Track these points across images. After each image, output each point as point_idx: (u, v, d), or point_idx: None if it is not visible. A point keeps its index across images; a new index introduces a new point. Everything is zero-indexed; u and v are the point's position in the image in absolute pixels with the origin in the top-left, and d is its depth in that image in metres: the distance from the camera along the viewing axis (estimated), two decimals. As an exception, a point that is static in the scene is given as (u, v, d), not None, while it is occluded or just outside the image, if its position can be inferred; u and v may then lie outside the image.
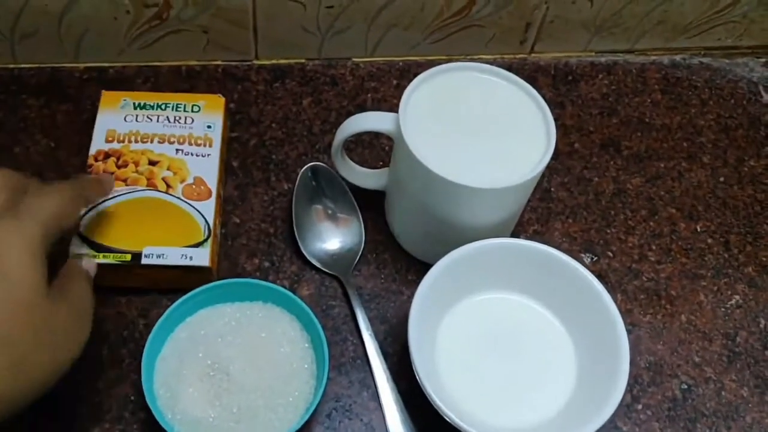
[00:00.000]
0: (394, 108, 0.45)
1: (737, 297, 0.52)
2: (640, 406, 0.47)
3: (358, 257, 0.50)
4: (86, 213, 0.45)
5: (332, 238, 0.50)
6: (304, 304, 0.43)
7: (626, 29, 0.62)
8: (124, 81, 0.56)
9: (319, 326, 0.42)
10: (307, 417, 0.40)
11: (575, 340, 0.46)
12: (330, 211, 0.50)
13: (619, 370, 0.42)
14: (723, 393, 0.48)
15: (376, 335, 0.47)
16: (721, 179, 0.58)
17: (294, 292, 0.44)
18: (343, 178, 0.51)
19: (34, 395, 0.34)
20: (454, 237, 0.46)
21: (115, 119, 0.50)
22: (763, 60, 0.66)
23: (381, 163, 0.55)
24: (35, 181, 0.37)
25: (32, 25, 0.53)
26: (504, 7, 0.57)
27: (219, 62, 0.58)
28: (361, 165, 0.51)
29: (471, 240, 0.45)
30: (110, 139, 0.49)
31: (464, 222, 0.46)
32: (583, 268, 0.45)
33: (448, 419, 0.39)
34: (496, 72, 0.47)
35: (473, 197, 0.44)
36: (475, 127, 0.45)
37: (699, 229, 0.55)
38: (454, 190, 0.43)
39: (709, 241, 0.55)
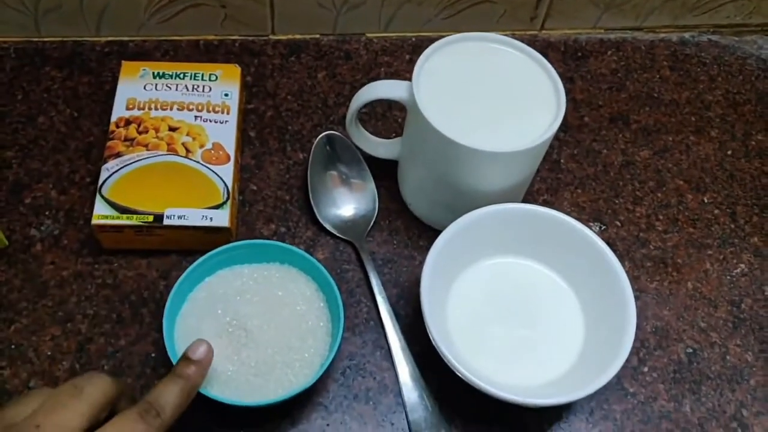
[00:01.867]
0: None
1: (743, 266, 0.53)
2: (646, 369, 0.48)
3: (371, 224, 0.51)
4: (109, 177, 0.47)
5: (346, 204, 0.51)
6: (320, 265, 0.45)
7: (635, 6, 0.63)
8: (143, 54, 0.58)
9: (334, 285, 0.44)
10: (321, 372, 0.42)
11: (583, 302, 0.47)
12: (344, 178, 0.52)
13: (625, 331, 0.43)
14: (727, 357, 0.49)
15: (389, 298, 0.48)
16: (729, 152, 0.59)
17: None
18: (357, 147, 0.52)
19: None
20: (464, 203, 0.47)
21: (136, 88, 0.51)
22: (772, 38, 0.67)
23: (394, 134, 0.56)
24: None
25: (55, 0, 0.54)
26: (515, -18, 0.58)
27: (236, 37, 0.60)
28: (376, 136, 0.53)
29: (479, 205, 0.46)
30: (131, 106, 0.50)
31: (475, 187, 0.47)
32: (592, 233, 0.46)
33: (459, 374, 0.41)
34: (508, 42, 0.48)
35: (484, 161, 0.45)
36: (487, 95, 0.46)
37: (706, 201, 0.56)
38: (465, 154, 0.44)
39: (716, 212, 0.56)
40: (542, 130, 0.45)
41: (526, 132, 0.45)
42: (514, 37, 0.62)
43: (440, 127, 0.44)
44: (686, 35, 0.66)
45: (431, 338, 0.42)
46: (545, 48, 0.63)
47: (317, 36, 0.61)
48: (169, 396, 0.36)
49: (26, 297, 0.47)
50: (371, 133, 0.53)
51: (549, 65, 0.47)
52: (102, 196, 0.46)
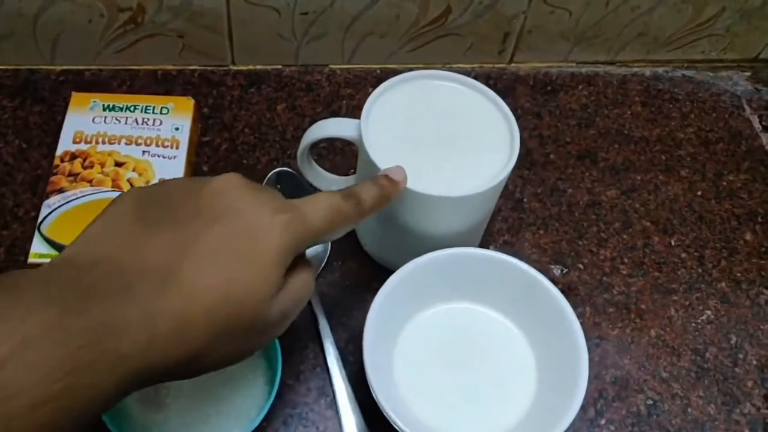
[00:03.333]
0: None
1: (709, 312, 0.52)
2: (603, 421, 0.47)
3: (323, 264, 0.50)
4: (49, 214, 0.45)
5: (297, 244, 0.50)
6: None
7: (606, 40, 0.61)
8: (100, 84, 0.57)
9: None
10: (257, 423, 0.40)
11: (536, 351, 0.45)
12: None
13: (577, 384, 0.41)
14: (689, 410, 0.48)
15: (338, 343, 0.47)
16: (699, 193, 0.57)
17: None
18: (311, 184, 0.51)
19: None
20: (419, 246, 0.45)
21: (84, 120, 0.50)
22: (748, 74, 0.66)
23: (352, 170, 0.55)
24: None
25: (7, 27, 0.53)
26: (481, 15, 0.57)
27: (195, 67, 0.58)
28: (334, 171, 0.51)
29: (435, 248, 0.44)
30: (78, 140, 0.49)
31: (428, 231, 0.46)
32: (544, 278, 0.44)
33: None
34: (462, 81, 0.47)
35: (434, 205, 0.43)
36: (438, 136, 0.45)
37: (673, 243, 0.55)
38: (415, 199, 0.43)
39: (683, 255, 0.54)
40: (496, 171, 0.44)
41: (479, 174, 0.44)
42: (481, 69, 0.62)
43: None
44: (660, 70, 0.64)
45: (374, 395, 0.40)
46: (513, 82, 0.62)
47: (279, 67, 0.59)
48: (369, 192, 0.38)
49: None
50: (329, 167, 0.51)
51: (504, 105, 0.46)
52: (41, 234, 0.45)
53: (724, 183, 0.58)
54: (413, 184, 0.42)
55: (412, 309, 0.46)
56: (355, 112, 0.58)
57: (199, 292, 0.30)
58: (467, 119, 0.46)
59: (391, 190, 0.40)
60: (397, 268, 0.45)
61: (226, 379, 0.42)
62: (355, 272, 0.50)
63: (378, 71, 0.60)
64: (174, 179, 0.35)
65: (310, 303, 0.48)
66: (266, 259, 0.32)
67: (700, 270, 0.53)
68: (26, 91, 0.56)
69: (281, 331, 0.35)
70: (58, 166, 0.48)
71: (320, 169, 0.50)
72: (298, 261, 0.35)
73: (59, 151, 0.48)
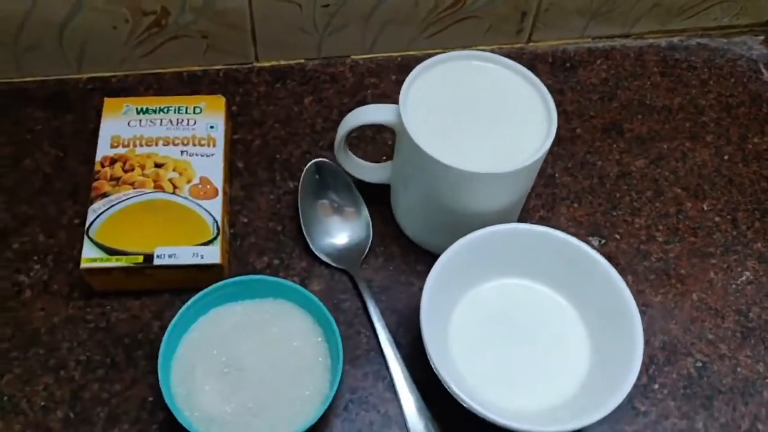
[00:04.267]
0: (395, 103, 0.46)
1: (748, 273, 0.52)
2: (656, 386, 0.47)
3: (366, 250, 0.50)
4: (96, 219, 0.46)
5: (340, 232, 0.50)
6: (315, 298, 0.43)
7: (622, 13, 0.62)
8: (127, 90, 0.57)
9: (331, 319, 0.43)
10: (323, 410, 0.40)
11: (587, 322, 0.46)
12: (336, 206, 0.51)
13: (633, 351, 0.42)
14: (738, 369, 0.48)
15: (388, 326, 0.47)
16: (726, 157, 0.58)
17: (304, 288, 0.45)
18: (348, 173, 0.51)
19: None
20: (459, 225, 0.46)
21: (119, 125, 0.50)
22: (761, 38, 0.66)
23: (384, 157, 0.55)
24: None
25: (35, 38, 0.54)
26: (499, -4, 0.58)
27: (220, 66, 0.59)
28: (366, 160, 0.52)
29: (476, 227, 0.45)
30: (115, 144, 0.49)
31: (469, 209, 0.46)
32: (593, 250, 0.45)
33: (464, 404, 0.39)
34: (494, 59, 0.47)
35: (477, 183, 0.44)
36: (476, 115, 0.46)
37: (706, 208, 0.55)
38: (457, 177, 0.43)
39: (717, 219, 0.55)
40: (535, 147, 0.44)
41: (519, 150, 0.44)
42: (500, 50, 0.62)
43: (430, 150, 0.43)
44: (675, 40, 0.65)
45: (434, 369, 0.41)
46: (533, 60, 0.62)
47: (302, 61, 0.60)
48: None
49: (17, 346, 0.45)
50: (361, 157, 0.52)
51: (538, 80, 0.46)
52: (90, 239, 0.45)
53: (750, 146, 0.59)
54: (456, 162, 0.42)
55: (462, 287, 0.46)
56: (381, 100, 0.58)
57: None
58: (503, 97, 0.46)
59: None
60: (439, 249, 0.46)
61: (298, 367, 0.42)
62: (398, 256, 0.51)
63: (399, 59, 0.61)
64: None
65: (357, 289, 0.49)
66: None
67: (735, 233, 0.54)
68: (56, 102, 0.56)
69: None
70: (99, 171, 0.48)
71: (357, 158, 0.51)
72: None
73: (99, 157, 0.49)
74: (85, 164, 0.52)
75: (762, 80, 0.63)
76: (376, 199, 0.52)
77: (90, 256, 0.44)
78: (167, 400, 0.40)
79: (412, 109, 0.45)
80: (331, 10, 0.56)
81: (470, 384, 0.43)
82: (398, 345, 0.47)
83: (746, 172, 0.57)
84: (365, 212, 0.51)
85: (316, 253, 0.49)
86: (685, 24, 0.64)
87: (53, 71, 0.56)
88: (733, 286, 0.52)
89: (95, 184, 0.47)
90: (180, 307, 0.43)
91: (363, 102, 0.58)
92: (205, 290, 0.43)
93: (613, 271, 0.44)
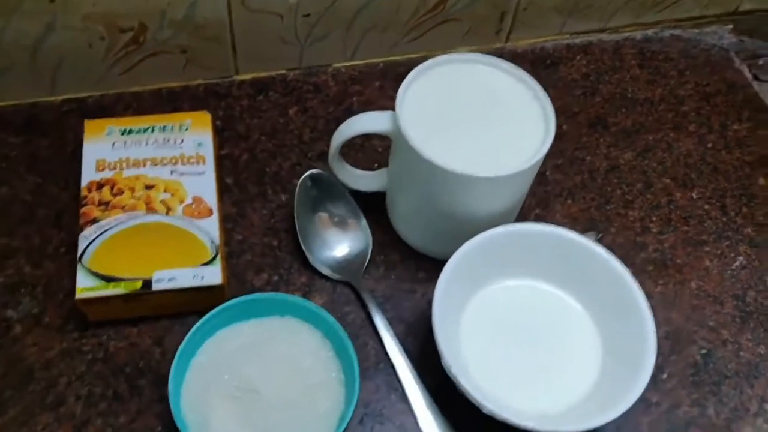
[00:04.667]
0: (380, 109, 0.45)
1: (741, 258, 0.53)
2: (665, 376, 0.47)
3: (367, 261, 0.49)
4: (88, 246, 0.44)
5: (339, 244, 0.49)
6: (323, 312, 0.43)
7: (599, 8, 0.62)
8: (104, 110, 0.55)
9: (343, 333, 0.42)
10: (343, 428, 0.39)
11: (597, 320, 0.46)
12: (333, 218, 0.50)
13: (645, 348, 0.42)
14: (741, 353, 0.49)
15: (396, 335, 0.47)
16: (709, 145, 0.59)
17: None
18: (342, 183, 0.50)
19: None
20: (459, 229, 0.46)
21: (103, 148, 0.48)
22: (730, 26, 0.67)
23: (376, 164, 0.54)
24: None
25: (6, 60, 0.51)
26: (479, -2, 0.58)
27: (199, 81, 0.57)
28: (357, 167, 0.51)
29: (476, 230, 0.45)
30: (101, 167, 0.47)
31: (469, 213, 0.46)
32: (598, 246, 0.45)
33: (480, 407, 0.39)
34: (489, 61, 0.47)
35: (477, 187, 0.43)
36: (473, 118, 0.45)
37: (695, 196, 0.56)
38: (457, 181, 0.43)
39: (706, 207, 0.55)
40: (534, 148, 0.44)
41: (518, 152, 0.44)
42: (480, 51, 0.62)
43: (429, 155, 0.42)
44: (649, 32, 0.66)
45: (450, 374, 0.40)
46: (513, 60, 0.61)
47: (283, 71, 0.59)
48: None
49: (11, 384, 0.43)
50: (352, 165, 0.51)
51: (534, 82, 0.46)
52: (84, 267, 0.43)
53: (730, 133, 0.60)
54: (456, 166, 0.42)
55: (471, 289, 0.46)
56: (366, 107, 0.57)
57: None
58: (499, 99, 0.46)
59: None
60: (438, 254, 0.45)
61: (310, 385, 0.41)
62: (399, 265, 0.50)
63: (381, 65, 0.60)
64: None
65: (360, 300, 0.48)
66: None
67: (725, 219, 0.55)
68: (31, 126, 0.54)
69: None
70: (86, 196, 0.46)
71: (351, 167, 0.50)
72: None
73: (84, 182, 0.47)
74: (67, 189, 0.50)
75: (734, 68, 0.65)
76: (372, 207, 0.51)
77: (85, 285, 0.43)
78: (181, 429, 0.38)
79: (409, 114, 0.44)
80: (312, 19, 0.55)
81: (483, 387, 0.43)
82: (407, 353, 0.46)
83: (729, 159, 0.58)
84: (364, 222, 0.50)
85: (316, 266, 0.48)
86: (659, 16, 0.65)
87: (26, 94, 0.54)
88: (728, 271, 0.52)
89: (83, 210, 0.46)
90: (179, 332, 0.42)
91: (349, 110, 0.57)
92: (212, 312, 0.42)
93: (621, 267, 0.44)
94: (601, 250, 0.45)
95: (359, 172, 0.50)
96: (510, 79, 0.47)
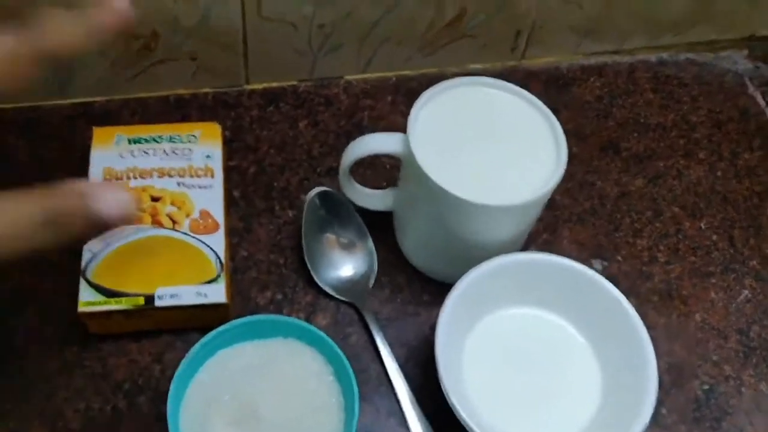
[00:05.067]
0: (391, 125, 0.45)
1: (746, 291, 0.53)
2: (665, 411, 0.47)
3: (371, 282, 0.49)
4: (92, 259, 0.43)
5: (345, 264, 0.49)
6: (327, 338, 0.42)
7: (614, 29, 0.62)
8: (111, 115, 0.54)
9: (344, 358, 0.41)
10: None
11: (598, 351, 0.46)
12: (341, 239, 0.49)
13: (646, 385, 0.42)
14: (743, 389, 0.49)
15: (397, 359, 0.46)
16: (719, 174, 0.59)
17: (310, 323, 0.43)
18: (352, 202, 0.50)
19: None
20: (467, 254, 0.45)
21: (111, 157, 0.48)
22: (746, 52, 0.67)
23: (384, 183, 0.54)
24: None
25: (14, 64, 0.51)
26: (495, 15, 0.57)
27: (208, 89, 0.57)
28: (363, 186, 0.50)
29: (484, 256, 0.44)
30: (108, 177, 0.47)
31: (479, 239, 0.46)
32: (602, 277, 0.45)
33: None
34: (502, 86, 0.46)
35: (488, 215, 0.43)
36: (485, 143, 0.45)
37: (703, 226, 0.56)
38: (470, 210, 0.42)
39: (714, 237, 0.55)
40: (545, 177, 0.44)
41: (529, 181, 0.43)
42: (494, 68, 0.62)
43: (442, 182, 0.42)
44: (664, 55, 0.65)
45: (449, 402, 0.40)
46: (526, 78, 0.62)
47: (294, 82, 0.58)
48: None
49: (9, 397, 0.43)
50: (360, 181, 0.50)
51: (544, 106, 0.46)
52: (87, 280, 0.43)
53: (741, 162, 0.59)
54: (467, 194, 0.41)
55: (473, 318, 0.46)
56: (377, 122, 0.57)
57: None
58: (511, 125, 0.46)
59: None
60: (444, 277, 0.45)
61: (313, 408, 0.41)
62: (404, 287, 0.50)
63: (394, 78, 0.60)
64: None
65: (363, 322, 0.47)
66: None
67: (731, 251, 0.55)
68: (38, 128, 0.53)
69: None
70: (91, 207, 0.46)
71: (360, 186, 0.49)
72: None
73: (90, 191, 0.46)
74: (73, 197, 0.50)
75: (748, 94, 0.64)
76: (379, 226, 0.51)
77: (88, 299, 0.42)
78: (179, 451, 0.38)
79: (421, 138, 0.44)
80: (327, 30, 0.54)
81: (483, 415, 0.42)
82: (407, 378, 0.46)
83: (739, 189, 0.58)
84: (370, 242, 0.50)
85: (322, 286, 0.48)
86: (675, 39, 0.65)
87: (34, 96, 0.54)
88: (733, 305, 0.52)
89: (88, 220, 0.45)
90: (181, 348, 0.41)
91: (360, 124, 0.56)
92: (214, 332, 0.41)
93: (622, 299, 0.44)
94: (605, 282, 0.44)
95: (368, 191, 0.50)
96: (522, 104, 0.46)
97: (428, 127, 0.44)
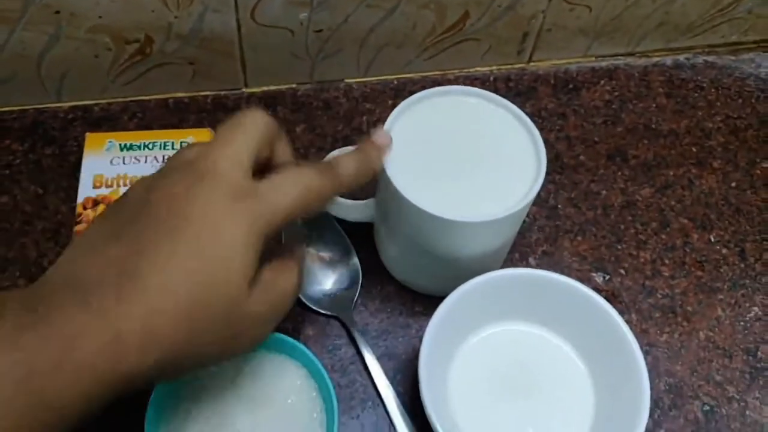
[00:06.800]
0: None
1: (756, 309, 0.51)
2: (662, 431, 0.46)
3: (357, 294, 0.48)
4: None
5: (329, 278, 0.48)
6: (310, 353, 0.42)
7: (627, 32, 0.60)
8: (110, 118, 0.55)
9: (327, 377, 0.41)
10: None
11: (591, 369, 0.44)
12: (324, 253, 0.48)
13: (640, 402, 0.40)
14: (747, 412, 0.47)
15: (386, 373, 0.45)
16: (733, 184, 0.56)
17: (297, 336, 0.43)
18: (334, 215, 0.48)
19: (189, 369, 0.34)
20: (447, 268, 0.44)
21: (102, 163, 0.48)
22: (770, 54, 0.64)
23: (364, 194, 0.52)
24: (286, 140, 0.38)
25: (9, 70, 0.51)
26: (499, 18, 0.55)
27: (207, 93, 0.56)
28: (345, 196, 0.49)
29: (464, 269, 0.43)
30: (98, 184, 0.47)
31: (455, 254, 0.44)
32: (593, 292, 0.43)
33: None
34: (481, 94, 0.44)
35: (463, 231, 0.41)
36: (461, 156, 0.43)
37: (713, 239, 0.53)
38: (442, 225, 0.41)
39: (724, 251, 0.53)
40: (524, 191, 0.41)
41: (507, 195, 0.41)
42: (500, 72, 0.60)
43: (412, 197, 0.40)
44: (681, 58, 0.63)
45: (431, 424, 0.39)
46: (534, 82, 0.60)
47: (294, 85, 0.57)
48: (349, 164, 0.37)
49: None
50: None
51: (526, 117, 0.44)
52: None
53: (758, 171, 0.57)
54: (441, 210, 0.40)
55: (460, 336, 0.44)
56: (376, 126, 0.56)
57: (163, 294, 0.29)
58: (490, 136, 0.44)
59: (375, 158, 0.39)
60: (427, 291, 0.43)
61: (293, 425, 0.40)
62: (395, 297, 0.49)
63: (395, 82, 0.58)
64: (135, 183, 0.34)
65: (350, 334, 0.47)
66: (231, 249, 0.31)
67: (742, 265, 0.52)
68: (35, 133, 0.53)
69: (267, 330, 0.35)
70: (81, 214, 0.46)
71: (339, 197, 0.48)
72: (276, 251, 0.35)
73: (80, 199, 0.46)
74: (67, 202, 0.50)
75: (770, 99, 0.61)
76: (363, 237, 0.49)
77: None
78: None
79: (394, 153, 0.42)
80: (324, 35, 0.53)
81: (471, 437, 0.42)
82: (396, 392, 0.45)
83: (754, 200, 0.56)
84: (354, 257, 0.48)
85: (305, 302, 0.47)
86: (692, 42, 0.62)
87: (31, 101, 0.54)
88: (741, 323, 0.50)
89: (78, 228, 0.45)
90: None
91: (359, 129, 0.56)
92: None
93: (615, 314, 0.42)
94: (597, 298, 0.43)
95: (347, 201, 0.48)
96: (502, 113, 0.44)
97: (402, 140, 0.42)
